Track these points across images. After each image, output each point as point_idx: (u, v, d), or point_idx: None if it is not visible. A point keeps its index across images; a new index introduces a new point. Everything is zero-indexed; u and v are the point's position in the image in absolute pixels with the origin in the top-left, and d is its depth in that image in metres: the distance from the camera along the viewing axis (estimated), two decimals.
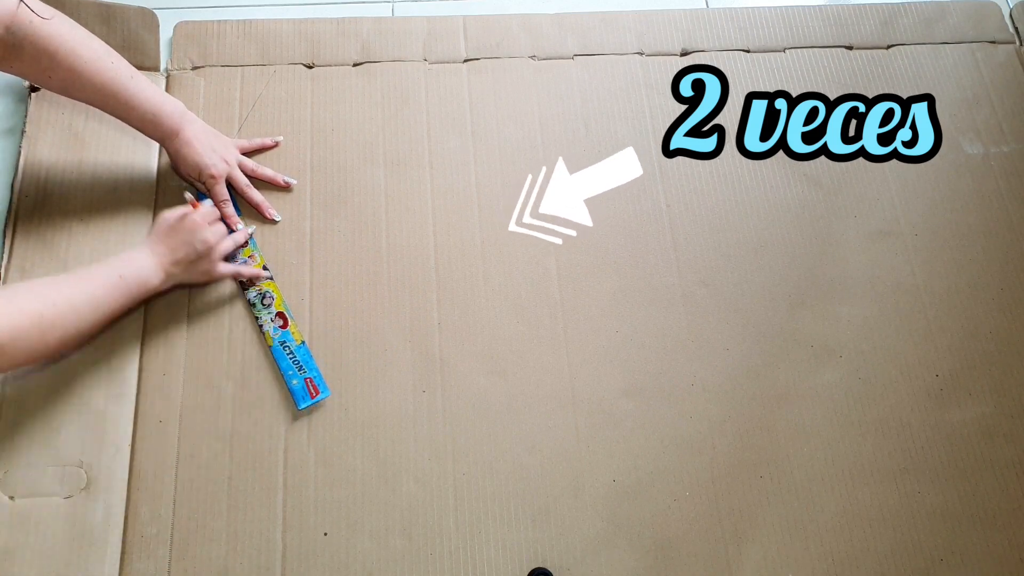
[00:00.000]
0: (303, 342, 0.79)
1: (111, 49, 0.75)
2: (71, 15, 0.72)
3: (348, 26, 0.95)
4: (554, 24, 0.97)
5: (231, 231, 0.80)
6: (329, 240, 0.84)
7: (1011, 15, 1.03)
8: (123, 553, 0.71)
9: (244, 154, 0.86)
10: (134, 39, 0.90)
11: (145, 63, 0.90)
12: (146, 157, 0.86)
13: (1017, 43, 1.01)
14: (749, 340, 0.83)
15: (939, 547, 0.76)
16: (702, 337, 0.83)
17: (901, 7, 1.02)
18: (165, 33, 0.92)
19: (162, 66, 0.91)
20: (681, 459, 0.78)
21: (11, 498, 0.71)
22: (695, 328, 0.83)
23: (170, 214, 0.76)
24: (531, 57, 0.95)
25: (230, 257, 0.80)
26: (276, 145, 0.88)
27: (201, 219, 0.76)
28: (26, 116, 0.85)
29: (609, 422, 0.79)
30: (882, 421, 0.80)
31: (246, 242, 0.82)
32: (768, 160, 0.91)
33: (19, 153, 0.84)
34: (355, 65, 0.93)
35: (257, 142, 0.87)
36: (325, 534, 0.73)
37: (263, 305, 0.80)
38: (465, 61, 0.95)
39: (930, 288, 0.87)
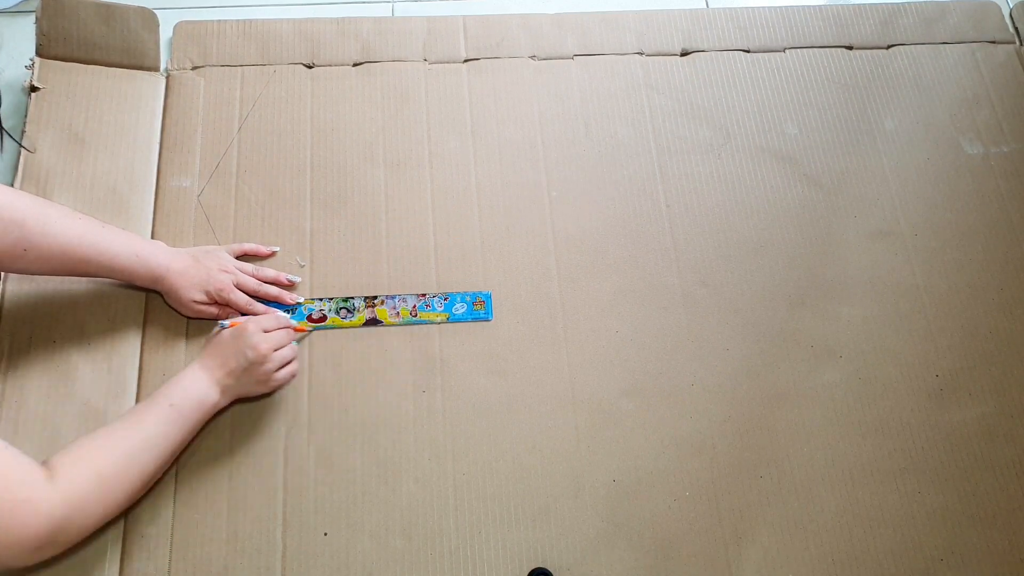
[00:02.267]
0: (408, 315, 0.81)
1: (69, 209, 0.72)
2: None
3: (348, 26, 0.95)
4: (554, 24, 0.97)
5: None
6: (329, 240, 0.84)
7: (1011, 15, 1.03)
8: (123, 553, 0.71)
9: (238, 258, 0.82)
10: (134, 39, 0.90)
11: (145, 63, 0.90)
12: (146, 157, 0.86)
13: (1017, 43, 1.01)
14: (749, 340, 0.83)
15: (939, 547, 0.76)
16: (702, 337, 0.83)
17: (901, 7, 1.02)
18: (165, 33, 0.92)
19: (162, 66, 0.91)
20: (681, 459, 0.78)
21: None
22: (695, 328, 0.83)
23: (219, 326, 0.73)
24: (531, 57, 0.95)
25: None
26: (271, 255, 0.83)
27: (254, 326, 0.72)
28: (26, 116, 0.85)
29: (609, 422, 0.79)
30: (882, 421, 0.80)
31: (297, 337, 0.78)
32: (768, 160, 0.91)
33: (19, 153, 0.84)
34: (355, 65, 0.93)
35: (249, 248, 0.82)
36: (325, 534, 0.73)
37: (349, 313, 0.80)
38: (465, 61, 0.95)
39: (930, 288, 0.87)
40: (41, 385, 0.75)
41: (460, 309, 0.81)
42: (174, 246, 0.81)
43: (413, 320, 0.81)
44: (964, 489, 0.78)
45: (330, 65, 0.93)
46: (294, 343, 0.76)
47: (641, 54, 0.97)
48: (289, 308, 0.80)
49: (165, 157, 0.86)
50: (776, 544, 0.75)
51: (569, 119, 0.92)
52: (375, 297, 0.81)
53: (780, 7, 1.01)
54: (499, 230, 0.86)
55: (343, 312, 0.81)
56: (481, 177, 0.89)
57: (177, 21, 0.93)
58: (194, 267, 0.76)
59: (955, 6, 1.02)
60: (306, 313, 0.80)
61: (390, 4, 1.01)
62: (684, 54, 0.97)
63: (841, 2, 1.04)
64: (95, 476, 0.60)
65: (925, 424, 0.80)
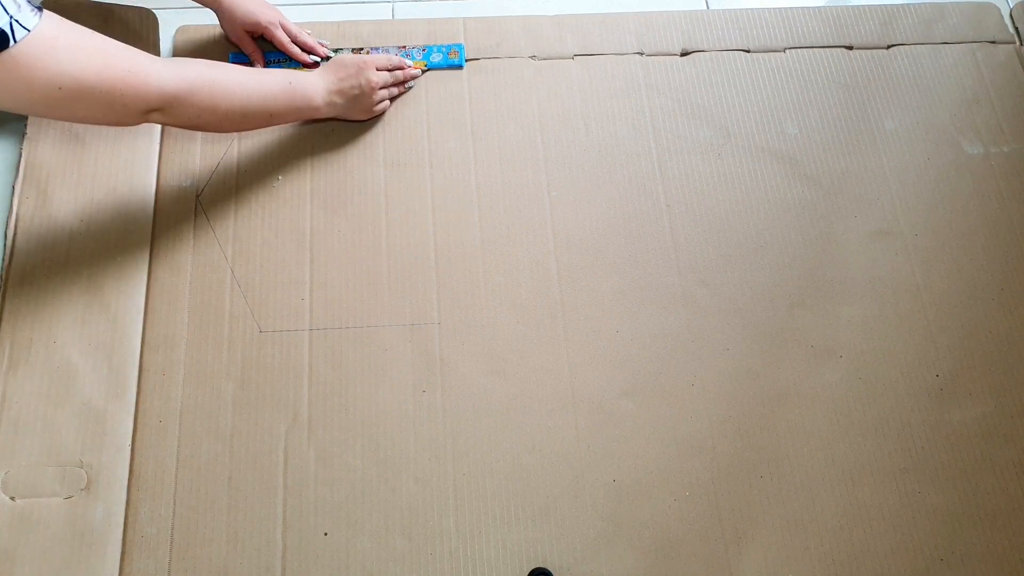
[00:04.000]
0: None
1: None
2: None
3: (348, 29, 0.95)
4: (554, 24, 0.98)
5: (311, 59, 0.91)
6: (329, 240, 0.84)
7: (1011, 15, 1.03)
8: (123, 553, 0.71)
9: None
10: (134, 39, 0.90)
11: None
12: (146, 157, 0.86)
13: (1017, 43, 1.01)
14: (749, 340, 0.83)
15: (939, 547, 0.76)
16: (702, 337, 0.83)
17: (901, 7, 1.02)
18: (166, 34, 0.93)
19: None
20: (681, 459, 0.78)
21: (12, 498, 0.71)
22: (695, 328, 0.83)
23: (344, 52, 0.87)
24: (531, 57, 0.95)
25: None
26: (323, 52, 0.92)
27: (372, 61, 0.85)
28: (27, 118, 0.86)
29: (609, 422, 0.79)
30: (882, 421, 0.80)
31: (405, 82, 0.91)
32: (768, 160, 0.92)
33: (20, 154, 0.84)
34: None
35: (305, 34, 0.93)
36: (325, 534, 0.73)
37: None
38: (465, 61, 0.95)
39: (930, 288, 0.87)
40: (41, 385, 0.75)
41: (436, 58, 0.93)
42: (174, 246, 0.82)
43: None
44: (964, 489, 0.78)
45: None
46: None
47: (641, 54, 0.97)
48: (284, 58, 0.91)
49: (165, 157, 0.87)
50: (776, 544, 0.75)
51: (569, 119, 0.92)
52: (361, 48, 0.93)
53: (780, 7, 1.01)
54: (499, 230, 0.86)
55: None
56: (481, 177, 0.89)
57: (177, 21, 0.93)
58: (355, 102, 0.86)
59: (955, 6, 1.02)
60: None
61: (390, 5, 1.01)
62: (684, 54, 0.97)
63: (841, 2, 1.04)
64: (209, 81, 0.71)
65: (925, 424, 0.80)
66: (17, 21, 0.57)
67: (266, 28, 0.88)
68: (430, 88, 0.93)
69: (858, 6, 1.02)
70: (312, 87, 0.81)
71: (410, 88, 0.92)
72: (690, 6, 1.03)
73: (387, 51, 0.92)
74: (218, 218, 0.84)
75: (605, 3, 1.02)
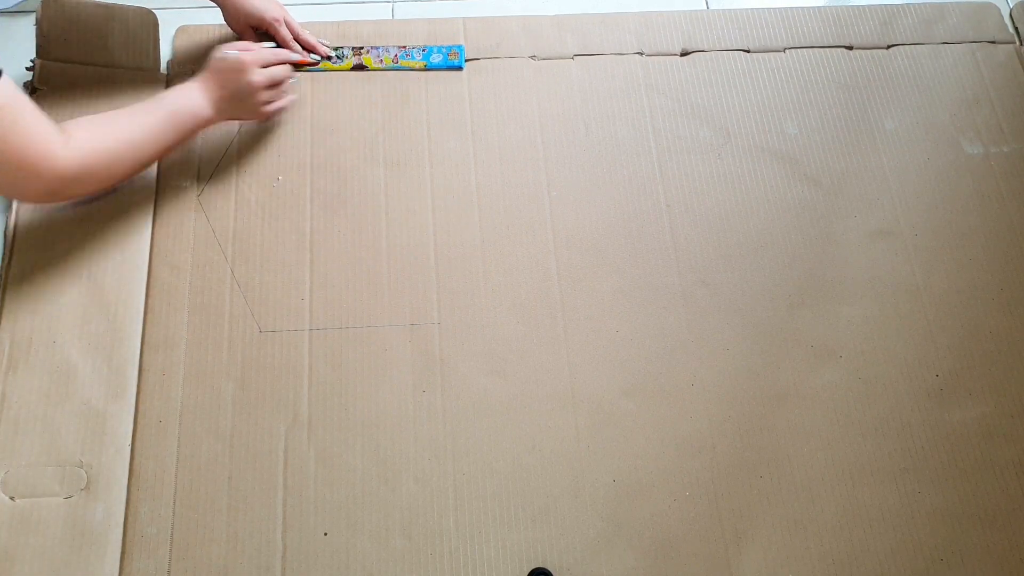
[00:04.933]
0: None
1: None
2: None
3: (348, 29, 0.95)
4: (554, 24, 0.98)
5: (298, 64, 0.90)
6: (329, 240, 0.84)
7: (1011, 15, 1.03)
8: (123, 553, 0.71)
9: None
10: (134, 39, 0.90)
11: (145, 64, 0.90)
12: None
13: (1017, 43, 1.01)
14: (749, 340, 0.83)
15: (939, 547, 0.76)
16: (702, 337, 0.83)
17: (901, 7, 1.02)
18: (166, 34, 0.93)
19: (162, 67, 0.91)
20: (681, 459, 0.78)
21: (11, 498, 0.71)
22: (695, 328, 0.83)
23: (223, 53, 0.81)
24: (531, 57, 0.95)
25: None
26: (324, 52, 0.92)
27: (251, 60, 0.81)
28: None
29: (609, 422, 0.79)
30: (882, 421, 0.80)
31: (286, 79, 0.87)
32: (768, 160, 0.92)
33: None
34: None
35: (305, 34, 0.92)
36: (325, 534, 0.73)
37: (339, 58, 0.91)
38: (465, 61, 0.95)
39: (930, 288, 0.87)
40: (41, 385, 0.75)
41: (436, 59, 0.91)
42: (174, 246, 0.82)
43: (395, 67, 0.92)
44: (964, 489, 0.78)
45: None
46: (293, 80, 0.88)
47: (641, 54, 0.97)
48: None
49: (165, 157, 0.86)
50: (776, 544, 0.75)
51: (569, 119, 0.92)
52: (361, 47, 0.93)
53: (780, 7, 1.01)
54: (499, 230, 0.86)
55: (333, 60, 0.92)
56: (481, 177, 0.89)
57: (178, 22, 0.93)
58: (238, 103, 0.83)
59: (955, 6, 1.02)
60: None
61: (390, 5, 1.01)
62: (684, 54, 0.97)
63: (841, 2, 1.04)
64: (104, 150, 0.72)
65: (925, 424, 0.80)
66: None
67: (271, 24, 0.88)
68: (430, 88, 0.93)
69: (858, 6, 1.02)
70: (195, 104, 0.79)
71: (294, 83, 0.88)
72: (690, 6, 1.03)
73: (387, 51, 0.91)
74: (218, 218, 0.84)
75: (605, 3, 1.02)
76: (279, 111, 0.87)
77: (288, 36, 0.89)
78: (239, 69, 0.81)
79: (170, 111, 0.77)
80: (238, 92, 0.81)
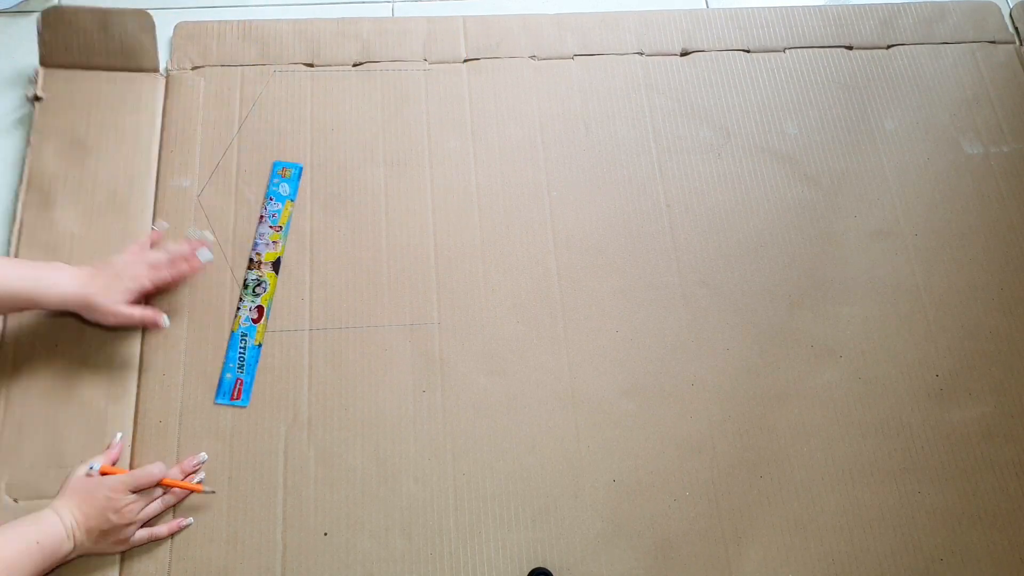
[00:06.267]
0: (260, 344, 0.79)
1: None
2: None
3: (348, 26, 0.95)
4: (554, 24, 0.97)
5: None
6: (329, 240, 0.84)
7: (1011, 15, 1.03)
8: (123, 553, 0.71)
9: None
10: (131, 42, 0.90)
11: (144, 65, 0.90)
12: (146, 157, 0.86)
13: (1017, 43, 1.01)
14: (749, 340, 0.83)
15: (939, 547, 0.76)
16: (702, 337, 0.83)
17: (901, 7, 1.02)
18: (164, 34, 0.92)
19: (161, 67, 0.91)
20: (681, 459, 0.78)
21: (15, 500, 0.71)
22: (695, 328, 0.83)
23: (80, 471, 0.68)
24: (531, 57, 0.95)
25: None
26: (160, 235, 0.81)
27: (120, 485, 0.67)
28: (31, 126, 0.85)
29: (609, 422, 0.79)
30: (882, 421, 0.80)
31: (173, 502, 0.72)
32: (768, 160, 0.92)
33: (24, 162, 0.84)
34: (355, 65, 0.93)
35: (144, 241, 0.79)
36: (325, 534, 0.73)
37: (253, 293, 0.80)
38: (465, 61, 0.95)
39: (930, 288, 0.87)
40: (43, 386, 0.75)
41: (285, 190, 0.81)
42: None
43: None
44: (964, 489, 0.78)
45: (330, 65, 0.93)
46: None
47: (641, 54, 0.97)
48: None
49: (165, 157, 0.86)
50: (776, 544, 0.75)
51: (569, 119, 0.92)
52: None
53: (780, 7, 1.01)
54: (499, 230, 0.86)
55: (259, 287, 0.81)
56: (481, 177, 0.89)
57: (177, 22, 0.93)
58: (111, 280, 0.73)
59: (955, 6, 1.02)
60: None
61: (390, 4, 1.01)
62: (684, 54, 0.97)
63: (841, 2, 1.04)
64: None
65: (925, 424, 0.80)
66: None
67: (147, 286, 0.75)
68: (430, 88, 0.93)
69: (858, 5, 1.02)
70: (58, 536, 0.64)
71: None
72: (690, 5, 1.03)
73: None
74: (218, 218, 0.84)
75: (605, 2, 1.02)
76: (148, 540, 0.70)
77: (164, 277, 0.76)
78: (105, 496, 0.66)
79: (35, 542, 0.62)
80: (104, 523, 0.66)
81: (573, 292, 0.84)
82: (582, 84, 0.94)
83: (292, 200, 0.85)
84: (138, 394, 0.76)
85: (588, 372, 0.81)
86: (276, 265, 0.83)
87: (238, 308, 0.80)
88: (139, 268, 0.75)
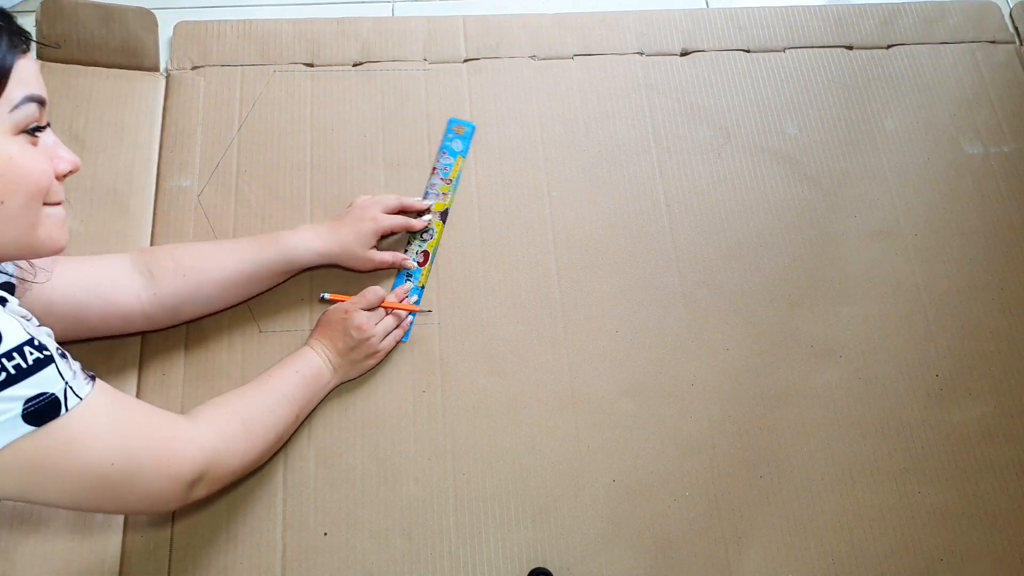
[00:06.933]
0: (423, 287, 0.83)
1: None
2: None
3: (348, 26, 0.95)
4: (554, 24, 0.97)
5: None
6: None
7: (1011, 15, 1.03)
8: (123, 554, 0.71)
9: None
10: (133, 40, 0.90)
11: (144, 63, 0.90)
12: (146, 157, 0.86)
13: (1017, 43, 1.01)
14: (749, 340, 0.83)
15: (939, 547, 0.76)
16: (702, 337, 0.83)
17: (901, 7, 1.02)
18: (165, 33, 0.92)
19: (162, 66, 0.91)
20: (681, 459, 0.78)
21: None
22: (695, 328, 0.83)
23: (330, 311, 0.77)
24: (531, 57, 0.95)
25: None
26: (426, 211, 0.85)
27: (351, 306, 0.76)
28: None
29: (609, 422, 0.79)
30: (882, 421, 0.80)
31: (403, 320, 0.80)
32: (768, 160, 0.92)
33: None
34: (355, 65, 0.93)
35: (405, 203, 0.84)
36: (325, 534, 0.73)
37: (420, 238, 0.84)
38: (465, 61, 0.95)
39: (930, 288, 0.87)
40: None
41: (457, 146, 0.87)
42: None
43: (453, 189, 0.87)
44: (964, 489, 0.78)
45: (330, 65, 0.93)
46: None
47: (641, 54, 0.97)
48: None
49: (165, 157, 0.86)
50: (776, 544, 0.75)
51: (569, 119, 0.92)
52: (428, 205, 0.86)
53: (780, 7, 1.01)
54: (499, 230, 0.86)
55: (426, 233, 0.85)
56: (481, 177, 0.89)
57: (177, 21, 0.93)
58: (356, 226, 0.79)
59: (955, 6, 1.02)
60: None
61: (390, 4, 1.01)
62: (684, 54, 0.97)
63: (841, 2, 1.04)
64: (239, 420, 0.64)
65: (925, 424, 0.80)
66: (71, 388, 0.51)
67: (385, 227, 0.81)
68: (430, 88, 0.93)
69: (858, 5, 1.02)
70: (315, 365, 0.73)
71: (426, 311, 0.82)
72: (690, 5, 1.03)
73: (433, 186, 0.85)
74: (218, 218, 0.84)
75: (605, 2, 1.02)
76: (395, 344, 0.80)
77: (397, 222, 0.82)
78: (341, 318, 0.75)
79: (296, 373, 0.71)
80: (349, 342, 0.75)
81: (573, 292, 0.84)
82: (582, 84, 0.94)
83: (464, 156, 0.88)
84: (138, 394, 0.76)
85: (588, 372, 0.81)
86: (444, 215, 0.85)
87: (405, 250, 0.84)
88: (375, 210, 0.80)
